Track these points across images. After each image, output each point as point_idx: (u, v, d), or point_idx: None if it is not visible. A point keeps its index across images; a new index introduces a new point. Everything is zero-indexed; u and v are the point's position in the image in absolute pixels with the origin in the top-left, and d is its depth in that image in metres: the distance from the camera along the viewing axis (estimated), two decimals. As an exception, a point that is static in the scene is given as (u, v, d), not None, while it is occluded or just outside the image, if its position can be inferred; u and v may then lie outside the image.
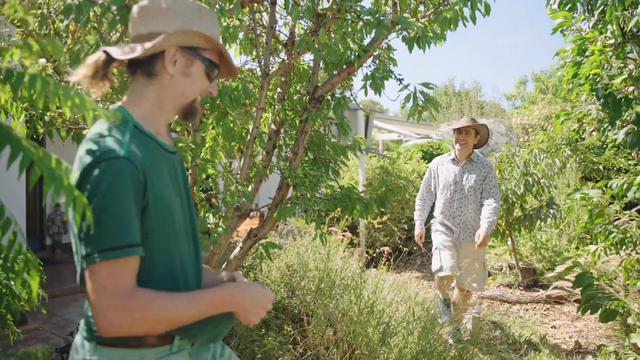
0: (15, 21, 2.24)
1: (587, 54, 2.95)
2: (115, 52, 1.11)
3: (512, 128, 11.26)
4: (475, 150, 4.03)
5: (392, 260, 4.13)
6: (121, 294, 1.00)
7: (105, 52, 1.12)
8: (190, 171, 2.25)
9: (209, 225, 2.05)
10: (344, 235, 5.66)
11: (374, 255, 6.10)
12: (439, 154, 8.51)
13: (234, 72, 1.30)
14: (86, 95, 0.79)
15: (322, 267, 3.40)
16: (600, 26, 2.85)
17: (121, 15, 1.48)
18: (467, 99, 17.60)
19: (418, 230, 4.13)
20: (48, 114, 2.27)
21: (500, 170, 5.36)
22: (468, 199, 3.93)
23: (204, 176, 2.20)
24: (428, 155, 8.24)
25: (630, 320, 3.32)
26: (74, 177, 0.95)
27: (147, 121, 1.15)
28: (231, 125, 2.46)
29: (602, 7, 2.83)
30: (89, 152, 1.02)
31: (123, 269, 1.01)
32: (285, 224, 6.40)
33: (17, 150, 0.70)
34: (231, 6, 1.94)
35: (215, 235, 1.97)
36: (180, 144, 2.04)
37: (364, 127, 6.52)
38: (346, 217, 2.89)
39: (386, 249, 4.30)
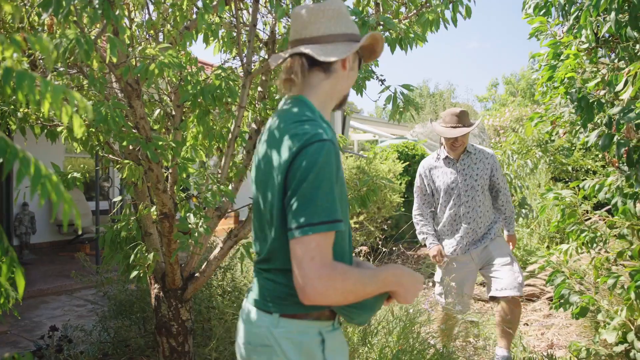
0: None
1: (562, 57, 3.02)
2: (317, 54, 1.21)
3: (485, 129, 11.49)
4: (469, 143, 3.34)
5: (371, 260, 4.14)
6: (326, 264, 1.07)
7: (305, 55, 1.23)
8: (170, 170, 2.21)
9: (190, 225, 2.01)
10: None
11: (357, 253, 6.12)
12: (414, 155, 8.59)
13: (376, 55, 1.39)
14: (76, 93, 0.76)
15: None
16: (575, 31, 2.92)
17: (103, 9, 1.44)
18: (441, 100, 17.86)
19: (434, 249, 3.26)
20: (21, 110, 2.20)
21: (474, 170, 5.45)
22: (476, 200, 3.22)
23: (184, 175, 2.16)
24: (403, 156, 8.31)
25: (600, 317, 3.42)
26: (280, 157, 1.11)
27: (322, 111, 1.26)
28: (211, 124, 2.43)
29: (577, 12, 2.91)
30: (299, 133, 1.12)
31: (328, 242, 1.08)
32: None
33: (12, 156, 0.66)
34: (214, 3, 1.91)
35: (197, 235, 1.94)
36: (160, 143, 2.00)
37: (341, 127, 6.53)
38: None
39: (364, 248, 4.32)
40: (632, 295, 2.94)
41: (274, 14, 2.02)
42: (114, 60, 1.57)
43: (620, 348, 3.21)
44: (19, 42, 0.81)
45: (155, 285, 2.47)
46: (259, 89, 2.75)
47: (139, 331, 3.36)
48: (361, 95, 2.58)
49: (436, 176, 3.32)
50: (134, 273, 2.36)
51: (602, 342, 3.41)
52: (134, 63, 1.84)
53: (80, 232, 7.30)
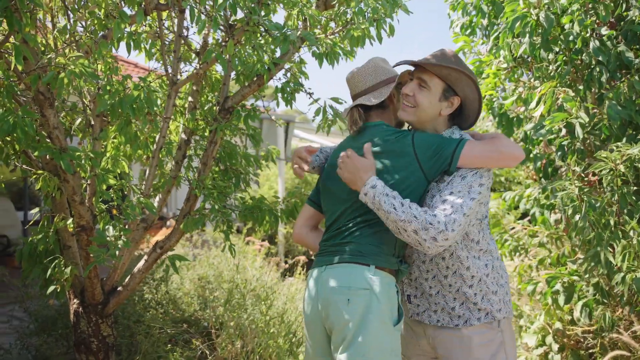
0: None
1: (484, 75, 3.19)
2: (369, 102, 1.78)
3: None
4: (453, 129, 1.78)
5: (307, 270, 4.17)
6: None
7: (362, 105, 1.81)
8: (89, 181, 2.15)
9: (108, 238, 1.96)
10: (261, 245, 5.64)
11: (293, 264, 6.14)
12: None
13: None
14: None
15: (234, 278, 3.37)
16: (494, 51, 3.10)
17: (6, 15, 1.39)
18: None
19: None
20: None
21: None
22: None
23: (104, 187, 2.10)
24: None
25: (522, 322, 3.60)
26: (404, 153, 1.69)
27: None
28: (138, 133, 2.38)
29: (497, 33, 3.08)
30: (403, 133, 1.73)
31: None
32: (204, 232, 6.26)
33: None
34: (133, 13, 1.89)
35: (114, 248, 1.89)
36: (77, 153, 1.94)
37: (283, 137, 6.56)
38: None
39: (302, 258, 4.35)
40: (549, 301, 3.11)
41: (195, 26, 2.01)
42: (20, 67, 1.52)
43: (539, 351, 3.39)
44: None
45: (75, 300, 2.37)
46: (190, 99, 2.73)
47: (63, 348, 3.22)
48: (290, 107, 2.62)
49: None
50: (52, 288, 2.27)
51: (523, 346, 3.58)
52: (54, 70, 1.78)
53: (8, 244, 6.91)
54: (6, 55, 1.57)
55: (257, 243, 5.66)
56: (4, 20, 1.50)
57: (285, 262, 6.34)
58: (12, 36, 1.52)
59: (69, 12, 2.00)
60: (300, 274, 4.24)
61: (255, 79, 2.44)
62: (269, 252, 6.01)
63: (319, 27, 2.60)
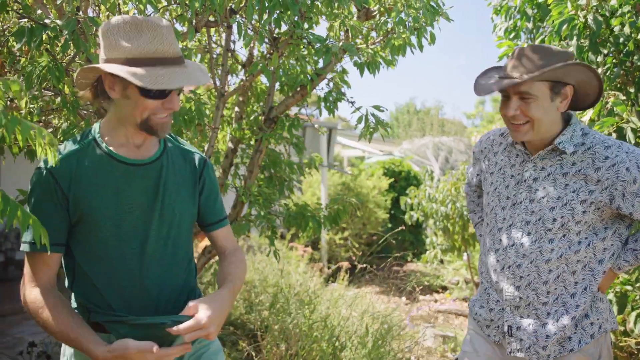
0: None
1: (528, 80, 3.13)
2: None
3: (472, 146, 11.65)
4: (573, 125, 1.53)
5: (350, 276, 4.21)
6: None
7: None
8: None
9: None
10: (304, 251, 5.72)
11: (336, 270, 6.20)
12: (400, 171, 8.66)
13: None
14: (42, 128, 0.86)
15: (278, 283, 3.45)
16: (539, 55, 3.04)
17: (73, 38, 1.52)
18: (429, 117, 18.06)
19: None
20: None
21: (455, 187, 5.54)
22: (543, 245, 1.52)
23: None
24: (390, 172, 8.42)
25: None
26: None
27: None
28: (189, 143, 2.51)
29: (542, 36, 3.03)
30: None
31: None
32: (249, 237, 6.41)
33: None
34: (185, 30, 2.00)
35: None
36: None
37: (326, 143, 6.63)
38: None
39: (345, 264, 4.39)
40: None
41: (241, 40, 2.11)
42: (84, 85, 1.64)
43: None
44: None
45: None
46: (236, 109, 2.84)
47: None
48: (333, 115, 2.68)
49: (489, 172, 1.72)
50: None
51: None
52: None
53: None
54: (72, 74, 1.71)
55: (300, 249, 5.75)
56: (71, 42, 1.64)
57: (328, 268, 6.40)
58: (77, 56, 1.66)
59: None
60: (343, 279, 4.28)
61: (298, 89, 2.52)
62: (312, 257, 6.09)
63: (360, 37, 2.66)
